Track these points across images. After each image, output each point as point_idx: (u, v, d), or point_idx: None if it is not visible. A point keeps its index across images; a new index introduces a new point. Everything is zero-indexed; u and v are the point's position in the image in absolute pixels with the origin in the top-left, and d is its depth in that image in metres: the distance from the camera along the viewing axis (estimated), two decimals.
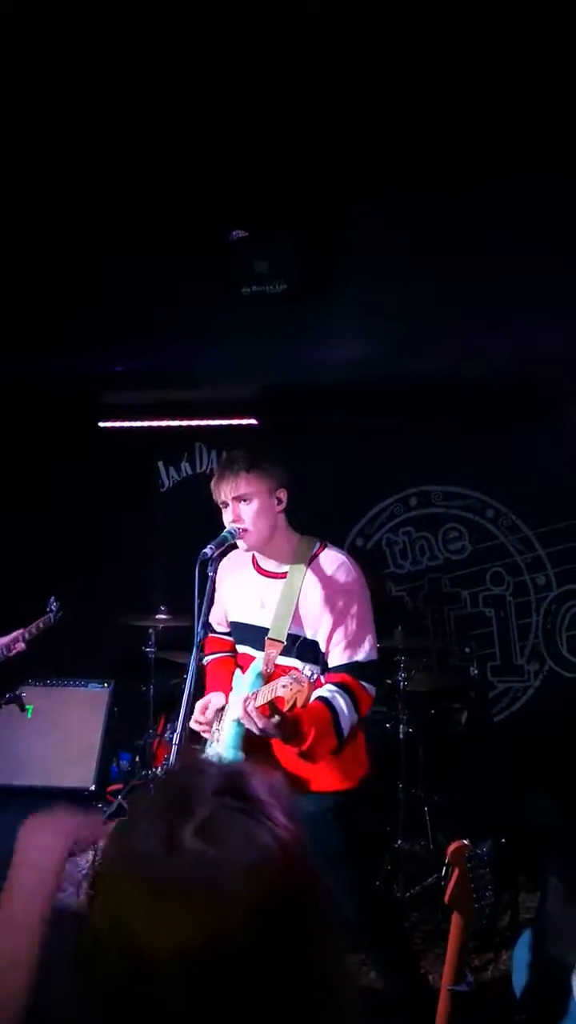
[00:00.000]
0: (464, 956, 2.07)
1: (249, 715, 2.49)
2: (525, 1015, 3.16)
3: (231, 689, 2.88)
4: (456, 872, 2.01)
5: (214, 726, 2.83)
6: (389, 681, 4.47)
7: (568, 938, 3.03)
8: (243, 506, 2.72)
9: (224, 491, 2.73)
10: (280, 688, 2.37)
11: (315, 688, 2.36)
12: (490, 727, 5.19)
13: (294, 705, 2.32)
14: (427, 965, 3.72)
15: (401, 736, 4.44)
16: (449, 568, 5.77)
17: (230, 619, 3.00)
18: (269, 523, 2.74)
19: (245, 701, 2.53)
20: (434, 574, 5.81)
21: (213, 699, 2.86)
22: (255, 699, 2.52)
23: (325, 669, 2.72)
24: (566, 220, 4.14)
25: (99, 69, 3.46)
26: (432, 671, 4.89)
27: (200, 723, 2.81)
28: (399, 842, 4.31)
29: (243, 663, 2.89)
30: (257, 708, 2.49)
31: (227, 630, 3.08)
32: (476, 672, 4.87)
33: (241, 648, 2.93)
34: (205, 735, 2.85)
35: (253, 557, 2.89)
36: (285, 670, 2.67)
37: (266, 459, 2.76)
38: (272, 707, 2.48)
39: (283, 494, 2.78)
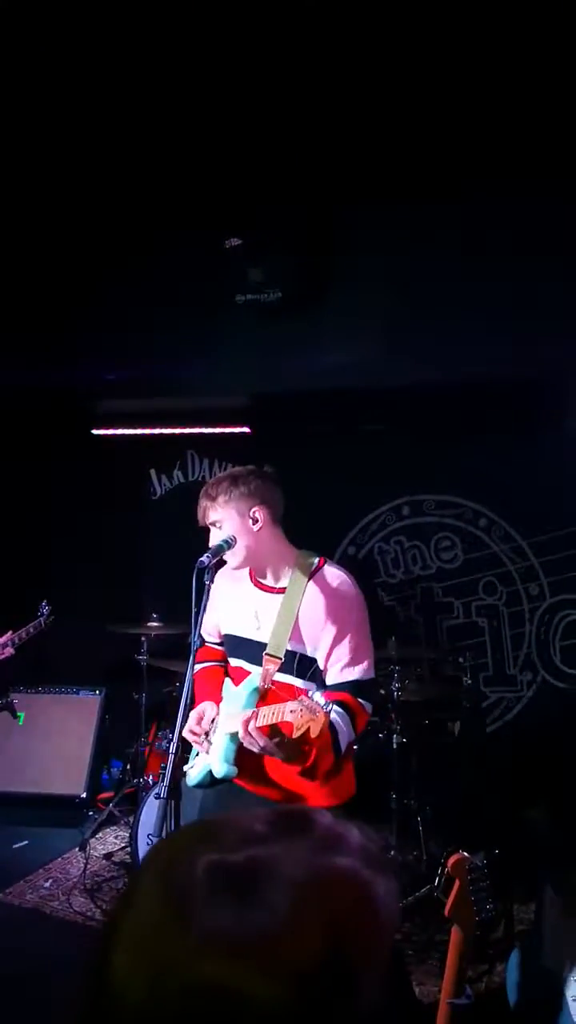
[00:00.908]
0: (464, 969, 2.06)
1: (250, 735, 2.47)
2: None
3: (221, 700, 2.86)
4: (456, 884, 2.00)
5: (209, 735, 2.82)
6: (382, 691, 4.46)
7: (563, 949, 3.02)
8: (215, 531, 2.77)
9: (200, 518, 2.80)
10: (288, 713, 2.34)
11: (328, 718, 2.29)
12: (483, 737, 5.18)
13: (305, 733, 2.27)
14: (421, 977, 3.72)
15: (394, 746, 4.43)
16: (441, 577, 5.76)
17: (224, 631, 2.97)
18: (248, 545, 2.75)
19: (246, 720, 2.50)
20: (426, 583, 5.81)
21: (207, 709, 2.84)
22: (256, 719, 2.49)
23: (322, 686, 2.72)
24: (560, 228, 4.15)
25: (96, 73, 3.45)
26: (425, 681, 4.89)
27: (194, 733, 2.79)
28: (391, 852, 4.30)
29: (235, 676, 2.87)
30: (258, 728, 2.47)
31: (218, 640, 3.07)
32: (469, 682, 4.86)
33: (234, 661, 2.91)
34: (196, 746, 2.83)
35: (251, 571, 2.88)
36: (282, 686, 2.69)
37: (237, 483, 2.77)
38: (273, 729, 2.46)
39: (262, 512, 2.76)
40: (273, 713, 2.44)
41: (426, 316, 4.54)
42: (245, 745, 2.55)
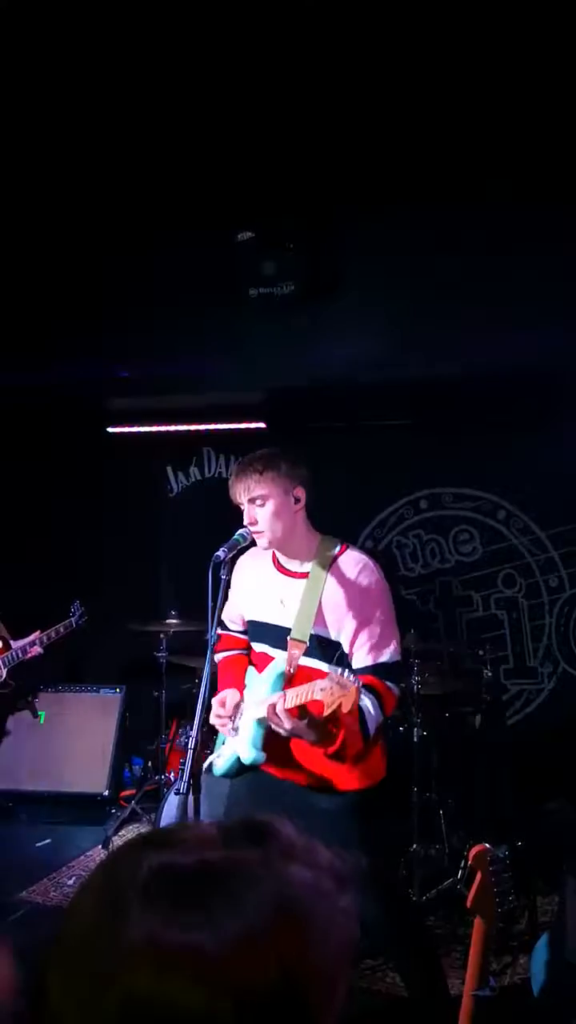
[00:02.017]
0: (487, 961, 2.04)
1: (278, 716, 2.47)
2: (543, 1017, 3.13)
3: (244, 687, 2.86)
4: (479, 877, 1.98)
5: (235, 721, 2.81)
6: (403, 685, 4.44)
7: None
8: (257, 508, 2.71)
9: (239, 493, 2.73)
10: (318, 691, 2.34)
11: (359, 693, 2.30)
12: (504, 730, 5.16)
13: (337, 710, 2.27)
14: (444, 969, 3.70)
15: (415, 739, 4.41)
16: (460, 571, 5.74)
17: (248, 617, 2.97)
18: (286, 524, 2.73)
19: (272, 703, 2.50)
20: (445, 577, 5.78)
21: (230, 695, 2.84)
22: (284, 700, 2.49)
23: (348, 671, 2.70)
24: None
25: (108, 65, 3.44)
26: (445, 675, 4.86)
27: (220, 717, 2.78)
28: (414, 846, 4.28)
29: (259, 662, 2.87)
30: (286, 710, 2.47)
31: (241, 628, 3.06)
32: (489, 675, 4.83)
33: (258, 647, 2.90)
34: (223, 731, 2.83)
35: (273, 555, 2.87)
36: (307, 670, 2.68)
37: (282, 459, 2.75)
38: (302, 710, 2.47)
39: (301, 493, 2.76)
40: (302, 693, 2.45)
41: (442, 309, 4.52)
42: (273, 728, 2.55)
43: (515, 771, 4.67)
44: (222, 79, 3.50)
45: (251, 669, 2.93)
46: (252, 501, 2.71)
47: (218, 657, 3.06)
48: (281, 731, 2.51)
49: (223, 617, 3.04)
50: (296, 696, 2.47)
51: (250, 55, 3.34)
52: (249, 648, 3.00)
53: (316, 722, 2.46)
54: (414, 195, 4.34)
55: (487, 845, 2.03)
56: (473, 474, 5.68)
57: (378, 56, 3.38)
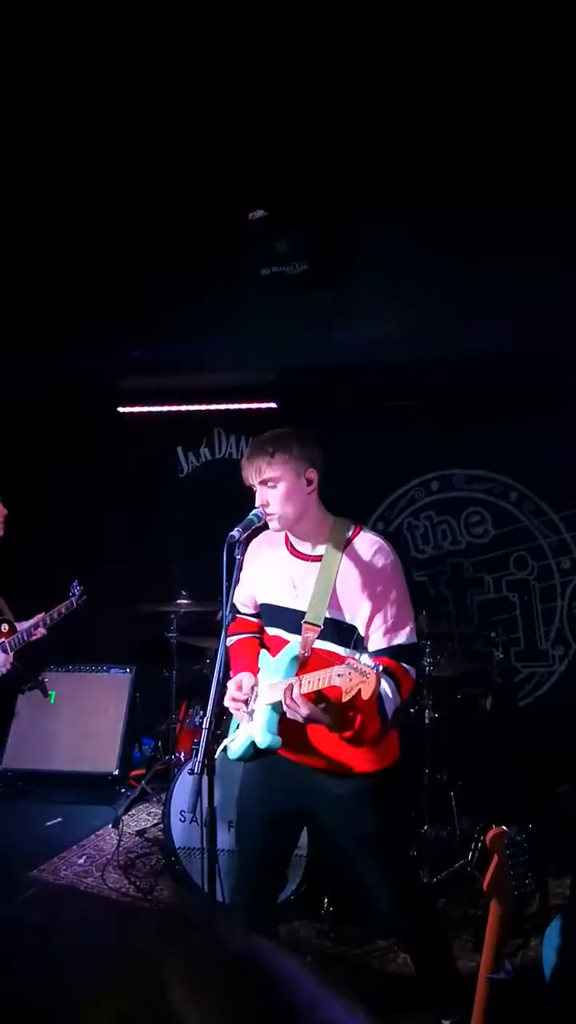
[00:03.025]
0: (503, 945, 2.03)
1: (294, 702, 2.46)
2: (556, 1000, 3.13)
3: (258, 670, 2.84)
4: (495, 860, 1.97)
5: (249, 706, 2.79)
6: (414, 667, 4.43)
7: None
8: (268, 490, 2.69)
9: (250, 475, 2.70)
10: (335, 677, 2.32)
11: (380, 681, 2.28)
12: (515, 712, 5.15)
13: (356, 696, 2.26)
14: (456, 952, 3.69)
15: (427, 721, 4.40)
16: (472, 552, 5.71)
17: (260, 600, 2.94)
18: (297, 506, 2.70)
19: (288, 688, 2.49)
20: (456, 559, 5.75)
21: (245, 678, 2.82)
22: (299, 686, 2.47)
23: (366, 655, 2.67)
24: None
25: (108, 48, 3.40)
26: (456, 657, 4.84)
27: (236, 700, 2.76)
28: (425, 828, 4.28)
29: (273, 645, 2.84)
30: (302, 695, 2.46)
31: (254, 611, 3.03)
32: (500, 657, 4.81)
33: (272, 630, 2.87)
34: (238, 715, 2.81)
35: (286, 538, 2.84)
36: (322, 654, 2.66)
37: (294, 441, 2.72)
38: (319, 695, 2.46)
39: (313, 475, 2.73)
40: (318, 679, 2.43)
41: (454, 290, 4.47)
42: (288, 713, 2.53)
43: (526, 753, 4.66)
44: (232, 56, 3.46)
45: (264, 653, 2.90)
46: (264, 483, 2.68)
47: (230, 640, 3.04)
48: (297, 717, 2.49)
49: (235, 600, 3.02)
50: (312, 682, 2.45)
51: (264, 31, 3.29)
52: (262, 631, 2.98)
53: (333, 707, 2.45)
54: (428, 175, 4.29)
55: (505, 828, 2.02)
56: (485, 455, 5.63)
57: (390, 31, 3.33)
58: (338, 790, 2.72)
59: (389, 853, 2.81)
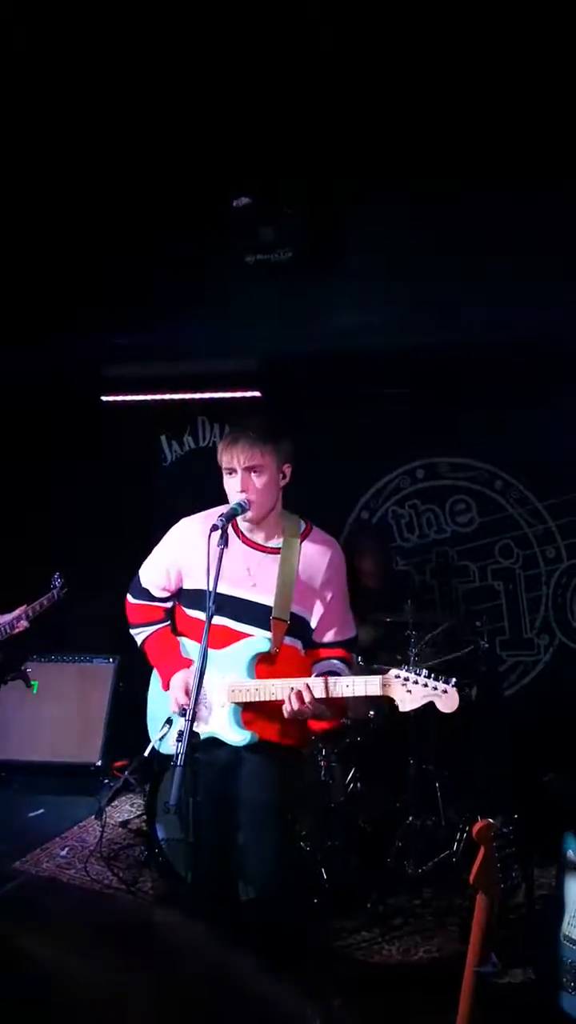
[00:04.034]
0: (489, 937, 2.02)
1: (307, 707, 2.53)
2: (542, 992, 3.13)
3: (190, 663, 2.76)
4: (482, 852, 1.95)
5: (200, 707, 2.71)
6: (399, 656, 4.41)
7: None
8: (254, 476, 2.68)
9: (237, 458, 2.67)
10: (400, 689, 2.59)
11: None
12: (500, 701, 5.14)
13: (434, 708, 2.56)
14: (441, 942, 3.70)
15: (411, 712, 4.38)
16: (457, 541, 5.69)
17: (193, 586, 2.86)
18: (273, 496, 2.75)
19: (306, 688, 2.54)
20: (441, 547, 5.74)
21: (190, 679, 2.69)
22: (329, 686, 2.56)
23: (307, 645, 2.82)
24: None
25: (98, 33, 3.34)
26: (441, 646, 4.83)
27: (185, 705, 2.67)
28: (410, 819, 4.27)
29: (217, 636, 2.70)
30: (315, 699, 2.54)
31: (167, 595, 2.96)
32: (486, 646, 4.80)
33: (219, 620, 2.69)
34: (178, 714, 2.76)
35: (236, 526, 2.80)
36: (289, 649, 2.72)
37: (278, 432, 2.76)
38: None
39: (288, 469, 2.78)
40: (364, 684, 2.58)
41: (442, 278, 4.44)
42: (288, 715, 2.56)
43: (511, 743, 4.66)
44: (222, 38, 3.40)
45: (186, 641, 2.86)
46: (249, 469, 2.67)
47: (141, 634, 2.98)
48: (298, 715, 2.55)
49: (144, 584, 2.98)
50: (345, 686, 2.57)
51: (253, 13, 3.24)
52: (168, 617, 2.96)
53: (331, 707, 2.62)
54: (416, 163, 4.24)
55: (491, 820, 2.00)
56: (470, 444, 5.61)
57: (383, 14, 3.28)
58: (260, 760, 2.74)
59: (281, 822, 2.86)
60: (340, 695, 2.54)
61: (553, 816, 4.03)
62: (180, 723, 2.68)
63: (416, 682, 2.44)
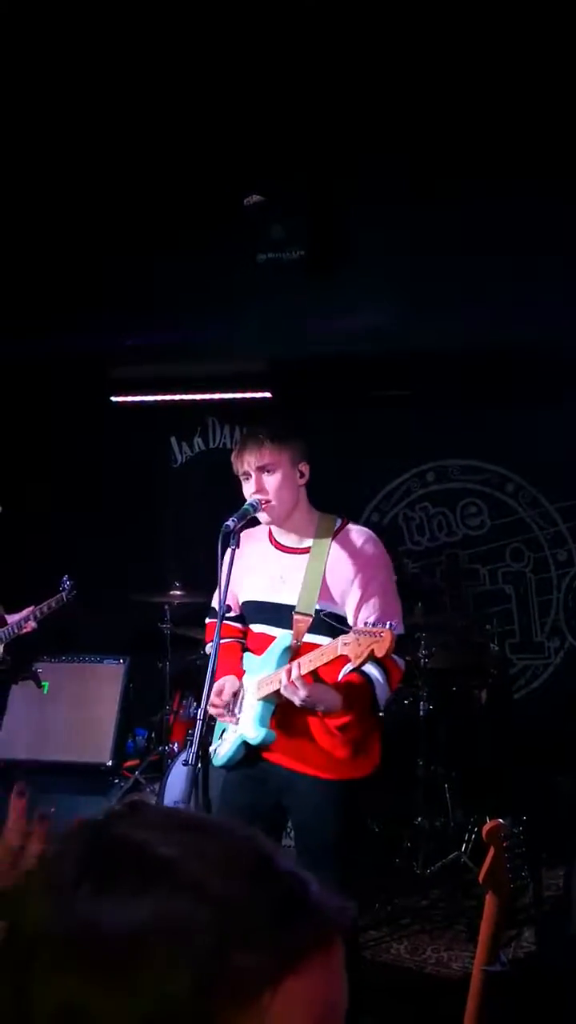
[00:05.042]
0: (498, 937, 2.01)
1: (294, 684, 2.42)
2: (550, 992, 3.13)
3: (243, 673, 2.79)
4: (492, 852, 1.95)
5: (234, 709, 2.75)
6: (409, 658, 4.40)
7: None
8: (266, 477, 2.66)
9: (247, 461, 2.67)
10: (341, 647, 2.32)
11: (394, 640, 2.28)
12: (510, 704, 5.14)
13: (370, 655, 2.26)
14: (448, 942, 3.71)
15: (421, 713, 4.39)
16: (467, 544, 5.68)
17: (244, 599, 2.89)
18: (291, 495, 2.69)
19: (288, 670, 2.46)
20: (452, 550, 5.73)
21: (227, 682, 2.76)
22: (299, 666, 2.44)
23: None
24: None
25: (104, 32, 3.35)
26: (451, 648, 4.83)
27: (216, 706, 2.71)
28: (419, 819, 4.28)
29: (258, 645, 2.78)
30: (301, 676, 2.43)
31: (236, 613, 2.97)
32: (496, 649, 4.81)
33: (257, 627, 2.81)
34: (221, 719, 2.77)
35: (270, 532, 2.81)
36: (313, 647, 2.59)
37: (289, 431, 2.73)
38: (316, 677, 2.45)
39: (305, 468, 2.73)
40: (321, 654, 2.42)
41: (451, 280, 4.44)
42: (285, 695, 2.49)
43: (520, 746, 4.65)
44: (229, 34, 3.41)
45: (248, 654, 2.86)
46: (261, 469, 2.66)
47: (210, 647, 2.99)
48: (296, 699, 2.45)
49: (213, 603, 2.98)
50: (314, 659, 2.43)
51: (261, 9, 3.25)
52: (244, 635, 2.93)
53: (330, 688, 2.46)
54: (424, 166, 4.25)
55: (501, 821, 2.00)
56: (481, 446, 5.61)
57: (388, 17, 3.29)
58: (313, 794, 2.67)
59: (341, 860, 2.72)
60: (307, 671, 2.42)
61: (562, 818, 4.04)
62: (230, 729, 2.75)
63: (357, 635, 2.31)
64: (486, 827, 1.97)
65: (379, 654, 2.24)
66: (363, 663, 2.28)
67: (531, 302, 4.42)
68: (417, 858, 4.15)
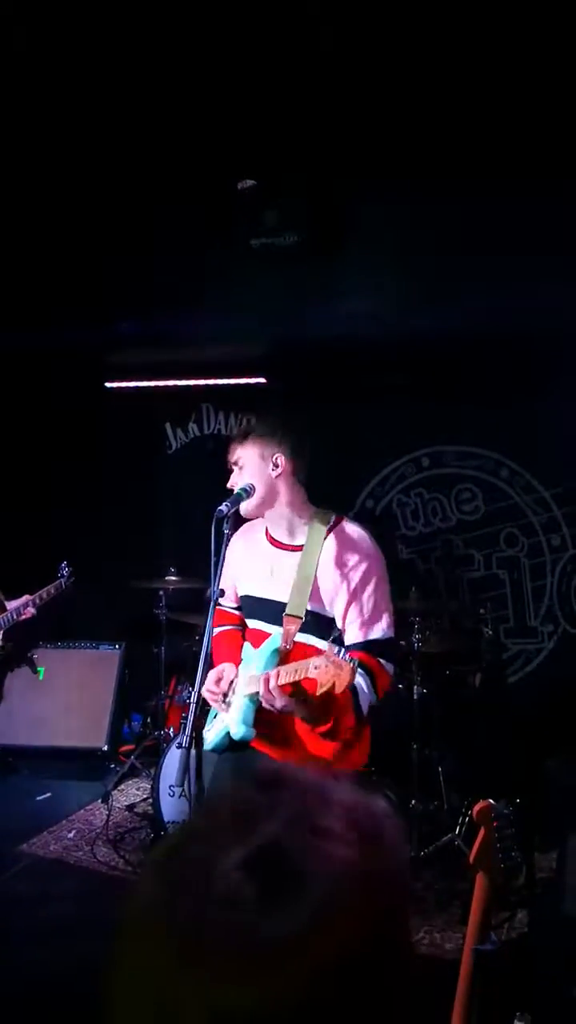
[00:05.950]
0: (488, 917, 2.03)
1: (271, 693, 2.42)
2: (543, 974, 3.16)
3: (240, 662, 2.80)
4: (482, 833, 1.96)
5: (228, 698, 2.77)
6: (403, 643, 4.42)
7: None
8: (236, 471, 2.73)
9: (229, 459, 2.77)
10: (311, 669, 2.28)
11: (355, 674, 2.24)
12: (504, 689, 5.16)
13: (331, 689, 2.22)
14: (443, 924, 3.74)
15: (415, 697, 4.41)
16: (462, 529, 5.69)
17: (241, 592, 2.90)
18: (261, 491, 2.69)
19: (266, 678, 2.45)
20: (446, 536, 5.74)
21: (227, 670, 2.77)
22: (277, 677, 2.43)
23: (343, 650, 2.62)
24: None
25: (100, 20, 3.33)
26: (446, 633, 4.85)
27: (212, 692, 2.73)
28: (413, 803, 4.31)
29: (254, 638, 2.79)
30: (279, 687, 2.42)
31: (235, 604, 2.98)
32: (490, 634, 4.82)
33: (252, 623, 2.84)
34: (215, 706, 2.79)
35: (266, 529, 2.82)
36: (303, 647, 2.61)
37: (265, 424, 2.73)
38: (296, 687, 2.42)
39: (282, 460, 2.69)
40: (295, 671, 2.39)
41: (447, 265, 4.43)
42: (264, 704, 2.50)
43: (514, 730, 4.67)
44: (224, 23, 3.39)
45: (247, 645, 2.86)
46: (234, 464, 2.74)
47: (214, 632, 3.00)
48: (273, 708, 2.45)
49: (219, 585, 2.99)
50: (289, 673, 2.41)
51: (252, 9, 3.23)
52: (243, 624, 2.94)
53: (309, 700, 2.40)
54: (420, 151, 4.22)
55: (491, 801, 2.02)
56: (476, 432, 5.60)
57: (391, 7, 3.27)
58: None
59: None
60: (283, 683, 2.40)
61: (554, 802, 4.06)
62: (220, 719, 2.78)
63: (327, 661, 2.28)
64: (476, 808, 1.99)
65: (337, 690, 2.21)
66: (326, 692, 2.24)
67: (529, 289, 4.41)
68: (411, 841, 4.17)
